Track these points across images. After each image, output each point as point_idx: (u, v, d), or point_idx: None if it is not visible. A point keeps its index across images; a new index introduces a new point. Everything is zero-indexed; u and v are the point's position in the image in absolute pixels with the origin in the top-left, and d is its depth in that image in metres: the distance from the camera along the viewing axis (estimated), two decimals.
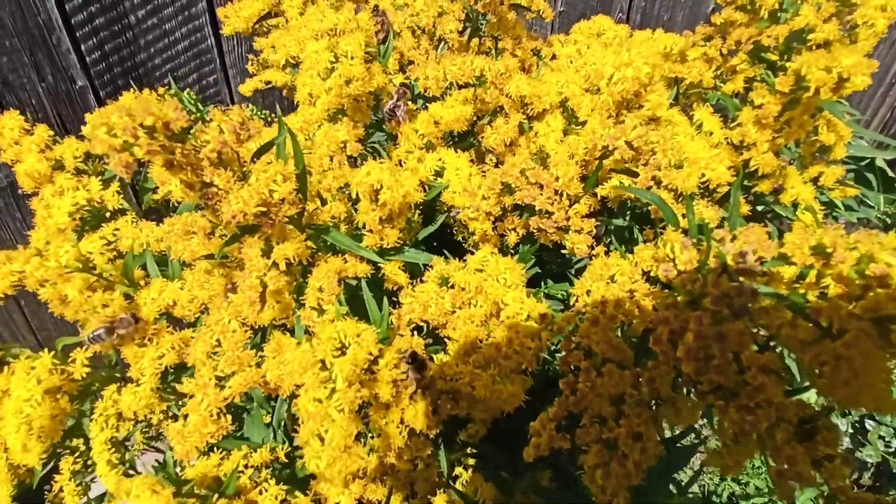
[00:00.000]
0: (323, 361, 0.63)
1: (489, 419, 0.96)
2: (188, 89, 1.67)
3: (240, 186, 0.69)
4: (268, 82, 1.47)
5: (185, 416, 0.67)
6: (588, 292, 0.73)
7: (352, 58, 0.95)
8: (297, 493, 0.83)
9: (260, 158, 0.75)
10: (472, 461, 1.03)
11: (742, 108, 0.87)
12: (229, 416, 0.68)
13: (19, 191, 1.84)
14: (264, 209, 0.71)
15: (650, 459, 0.76)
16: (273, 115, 1.64)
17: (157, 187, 1.29)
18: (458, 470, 1.03)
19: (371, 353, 0.66)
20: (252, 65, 1.59)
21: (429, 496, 0.90)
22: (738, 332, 0.56)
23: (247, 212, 0.67)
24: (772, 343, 0.75)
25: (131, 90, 1.48)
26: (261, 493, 0.77)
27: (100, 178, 1.15)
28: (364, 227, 0.85)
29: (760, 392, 0.66)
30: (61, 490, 1.03)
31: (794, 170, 0.96)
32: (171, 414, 0.94)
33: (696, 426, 1.01)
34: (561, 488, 0.98)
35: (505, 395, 0.81)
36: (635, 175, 0.84)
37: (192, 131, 0.69)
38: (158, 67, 2.01)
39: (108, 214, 1.17)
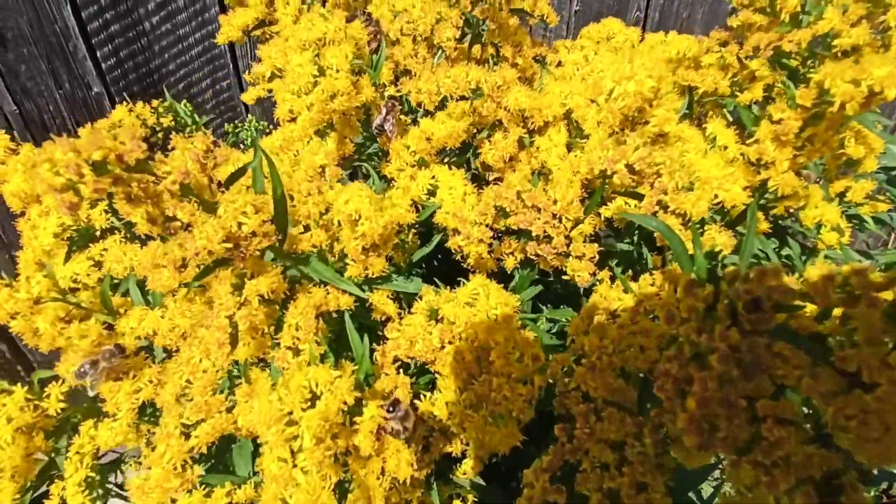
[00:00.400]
0: (290, 414, 0.57)
1: (485, 456, 0.90)
2: (187, 100, 1.64)
3: (205, 219, 0.64)
4: (270, 91, 1.42)
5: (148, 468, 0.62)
6: (586, 332, 0.67)
7: (337, 70, 0.89)
8: None
9: (231, 186, 0.70)
10: (471, 497, 0.97)
11: (760, 121, 0.80)
12: (196, 467, 0.64)
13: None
14: (231, 245, 0.66)
15: None
16: (272, 126, 1.59)
17: None
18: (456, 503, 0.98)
19: (346, 403, 0.61)
20: (248, 74, 1.56)
21: None
22: (746, 397, 0.49)
23: (211, 249, 0.62)
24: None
25: (128, 104, 1.45)
26: None
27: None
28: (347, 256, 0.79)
29: (778, 448, 0.59)
30: None
31: (817, 189, 0.88)
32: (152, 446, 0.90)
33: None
34: None
35: (498, 437, 0.75)
36: (640, 197, 0.77)
37: (166, 153, 0.64)
38: (173, 73, 2.01)
39: (97, 234, 1.13)
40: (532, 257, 0.86)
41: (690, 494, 1.18)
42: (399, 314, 0.83)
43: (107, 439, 0.81)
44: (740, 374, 0.50)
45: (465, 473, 0.85)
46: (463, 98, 0.98)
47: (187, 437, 0.64)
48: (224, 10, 1.87)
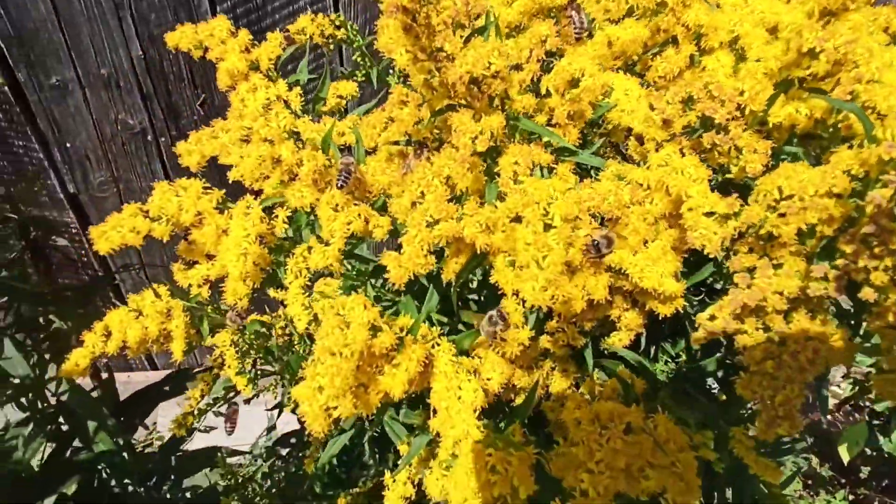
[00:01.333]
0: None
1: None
2: None
3: (466, 52, 0.76)
4: None
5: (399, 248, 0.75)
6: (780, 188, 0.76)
7: None
8: None
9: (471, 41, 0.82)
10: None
11: None
12: (432, 257, 0.76)
13: (148, 137, 2.04)
14: (480, 78, 0.78)
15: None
16: None
17: (325, 99, 1.42)
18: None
19: (573, 214, 0.72)
20: None
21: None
22: None
23: (474, 72, 0.74)
24: None
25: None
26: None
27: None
28: (551, 121, 0.91)
29: None
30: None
31: None
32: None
33: None
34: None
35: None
36: (824, 94, 0.85)
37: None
38: (278, 24, 2.24)
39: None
40: (707, 146, 0.95)
41: None
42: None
43: (318, 261, 0.95)
44: None
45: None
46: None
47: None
48: None
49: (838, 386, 2.80)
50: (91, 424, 1.67)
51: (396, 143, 1.01)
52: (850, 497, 2.32)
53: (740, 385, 0.84)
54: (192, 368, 1.90)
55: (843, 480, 2.34)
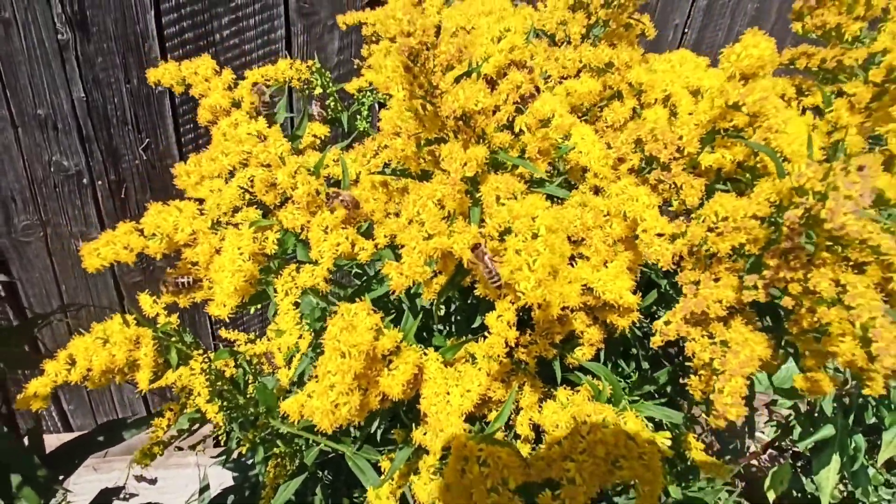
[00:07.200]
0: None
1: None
2: None
3: (455, 91, 0.91)
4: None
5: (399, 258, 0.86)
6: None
7: None
8: None
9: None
10: None
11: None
12: (428, 268, 0.88)
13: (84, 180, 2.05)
14: (469, 114, 0.93)
15: None
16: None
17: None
18: None
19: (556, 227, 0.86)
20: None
21: None
22: None
23: (466, 107, 0.89)
24: None
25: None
26: None
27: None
28: (523, 155, 1.07)
29: None
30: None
31: None
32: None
33: None
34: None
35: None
36: (744, 139, 1.07)
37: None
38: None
39: None
40: (653, 183, 1.14)
41: None
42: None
43: (306, 280, 1.04)
44: None
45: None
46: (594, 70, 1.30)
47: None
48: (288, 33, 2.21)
49: (762, 432, 3.02)
50: (15, 478, 1.58)
51: (383, 171, 1.14)
52: None
53: (692, 387, 0.99)
54: (125, 419, 1.85)
55: None
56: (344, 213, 1.06)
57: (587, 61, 1.27)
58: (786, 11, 2.38)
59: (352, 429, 1.41)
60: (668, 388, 1.23)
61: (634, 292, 1.06)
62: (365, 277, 1.29)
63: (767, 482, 2.22)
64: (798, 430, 2.09)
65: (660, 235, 0.97)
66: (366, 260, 1.08)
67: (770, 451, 2.98)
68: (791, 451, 2.90)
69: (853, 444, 1.93)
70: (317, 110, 1.54)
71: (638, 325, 1.18)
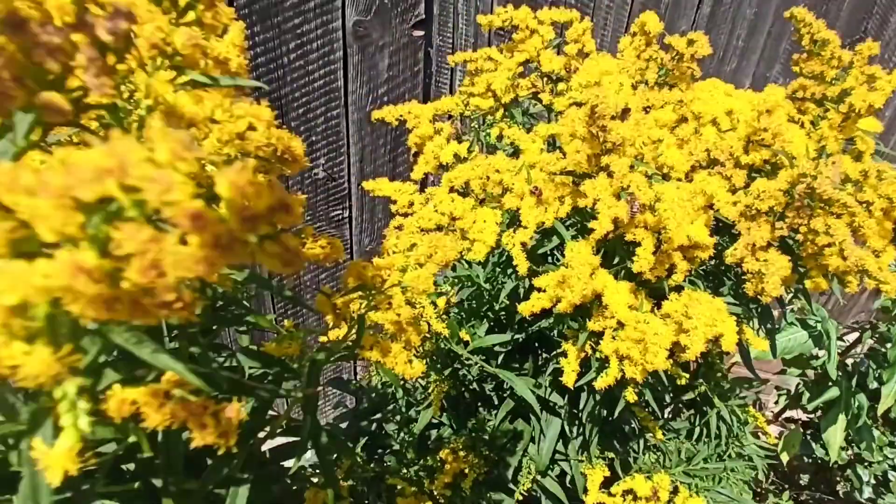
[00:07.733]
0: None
1: None
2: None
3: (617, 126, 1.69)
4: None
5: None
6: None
7: None
8: None
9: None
10: None
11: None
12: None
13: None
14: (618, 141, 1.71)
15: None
16: None
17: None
18: None
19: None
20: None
21: None
22: None
23: (625, 136, 1.67)
24: None
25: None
26: None
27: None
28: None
29: None
30: None
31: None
32: None
33: None
34: None
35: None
36: (769, 147, 1.86)
37: None
38: (297, 100, 2.45)
39: None
40: (714, 174, 1.91)
41: None
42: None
43: (521, 237, 1.82)
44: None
45: None
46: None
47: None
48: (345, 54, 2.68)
49: (775, 403, 3.32)
50: None
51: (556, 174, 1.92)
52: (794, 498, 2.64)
53: (747, 287, 1.77)
54: None
55: (786, 486, 2.64)
56: (535, 199, 1.84)
57: (666, 100, 2.05)
58: (781, 12, 2.72)
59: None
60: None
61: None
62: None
63: (780, 445, 2.31)
64: (807, 395, 2.24)
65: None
66: (550, 224, 1.85)
67: (780, 420, 2.97)
68: (800, 421, 2.83)
69: (857, 403, 2.06)
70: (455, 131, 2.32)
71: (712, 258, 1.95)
